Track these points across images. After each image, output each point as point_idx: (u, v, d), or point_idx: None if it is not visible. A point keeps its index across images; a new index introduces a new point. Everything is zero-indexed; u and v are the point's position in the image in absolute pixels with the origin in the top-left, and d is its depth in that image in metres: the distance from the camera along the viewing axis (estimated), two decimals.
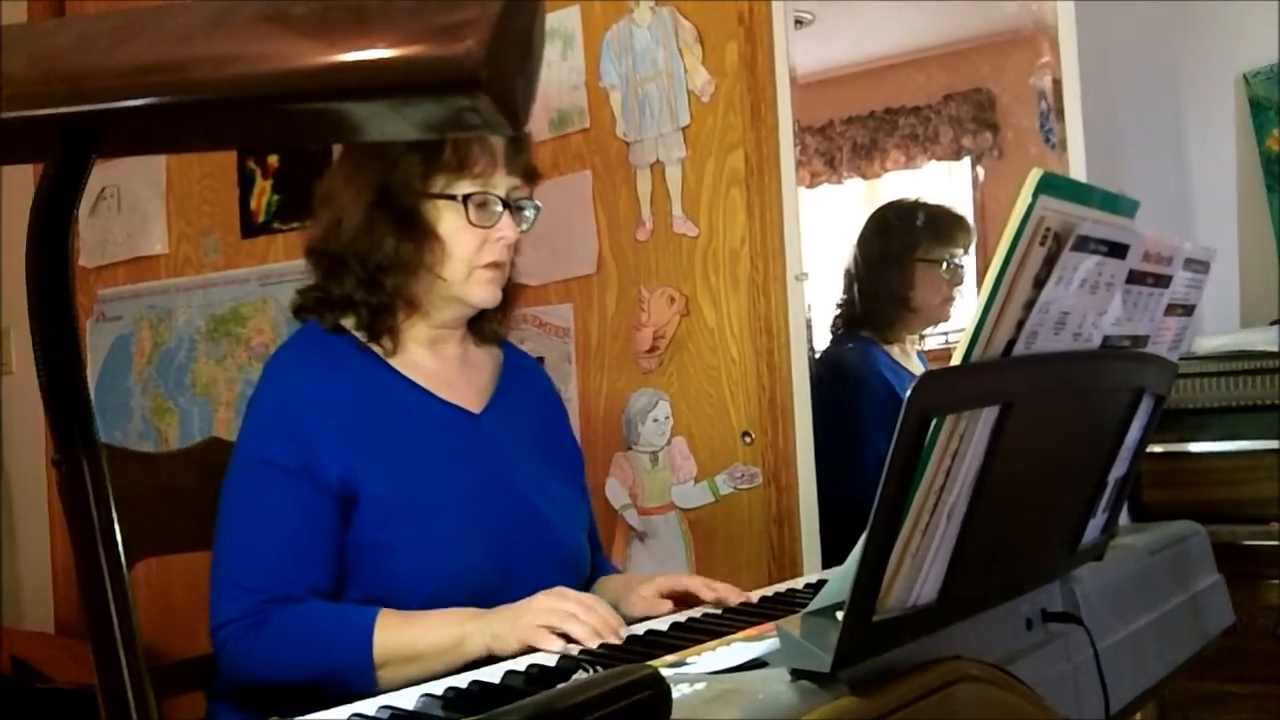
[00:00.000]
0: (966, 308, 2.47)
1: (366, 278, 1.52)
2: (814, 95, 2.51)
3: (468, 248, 1.52)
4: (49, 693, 2.54)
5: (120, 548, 0.50)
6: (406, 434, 1.52)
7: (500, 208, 1.53)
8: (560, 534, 1.60)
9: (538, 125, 2.41)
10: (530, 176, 1.59)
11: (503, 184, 1.54)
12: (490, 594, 1.41)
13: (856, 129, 2.79)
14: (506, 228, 1.54)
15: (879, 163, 2.79)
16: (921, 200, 2.55)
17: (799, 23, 2.29)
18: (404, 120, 0.49)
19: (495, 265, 1.54)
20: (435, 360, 1.60)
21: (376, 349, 1.56)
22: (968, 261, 2.49)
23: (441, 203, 1.51)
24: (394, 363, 1.56)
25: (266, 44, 0.47)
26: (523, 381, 1.72)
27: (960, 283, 2.45)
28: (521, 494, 1.56)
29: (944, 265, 2.44)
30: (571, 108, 2.40)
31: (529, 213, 1.58)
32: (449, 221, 1.51)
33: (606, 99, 2.37)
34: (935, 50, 2.73)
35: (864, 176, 2.80)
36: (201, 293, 2.85)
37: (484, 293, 1.55)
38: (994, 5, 2.44)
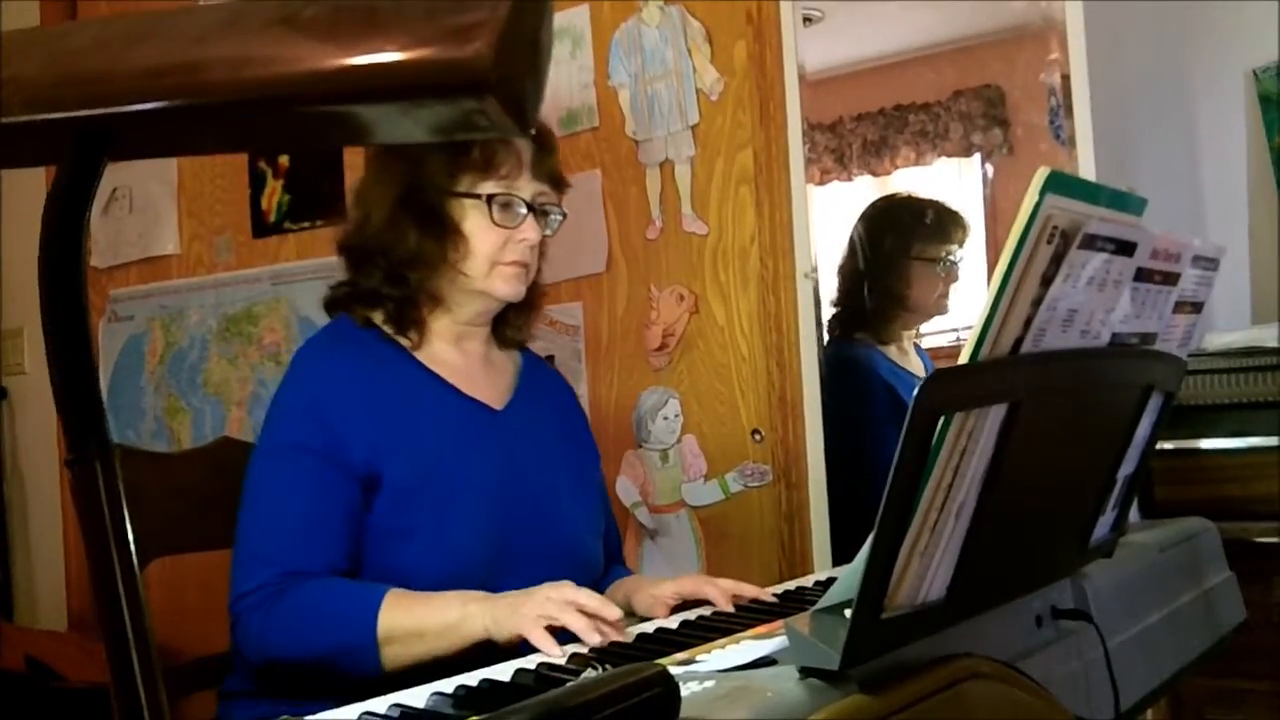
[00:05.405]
0: (964, 302, 2.45)
1: (390, 271, 1.57)
2: (823, 93, 2.50)
3: (490, 246, 1.56)
4: (63, 692, 2.55)
5: (133, 548, 0.50)
6: (428, 424, 1.55)
7: (524, 210, 1.57)
8: (571, 531, 1.62)
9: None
10: (557, 184, 1.63)
11: (528, 188, 1.57)
12: (496, 584, 1.43)
13: (866, 126, 2.78)
14: (529, 229, 1.57)
15: (889, 160, 2.78)
16: (917, 196, 2.52)
17: (807, 20, 2.29)
18: (414, 122, 0.49)
19: (518, 263, 1.58)
20: (460, 356, 1.63)
21: (404, 341, 1.60)
22: (965, 257, 2.45)
23: (467, 201, 1.55)
24: (419, 356, 1.60)
25: (278, 47, 0.48)
26: (542, 385, 1.75)
27: (956, 279, 2.42)
28: (537, 490, 1.59)
29: (940, 264, 2.42)
30: (581, 107, 2.40)
31: (554, 218, 1.62)
32: (473, 220, 1.55)
33: (616, 98, 2.37)
34: (944, 47, 2.72)
35: (874, 174, 2.79)
36: (213, 292, 2.86)
37: (507, 286, 1.59)
38: (1003, 2, 2.43)
